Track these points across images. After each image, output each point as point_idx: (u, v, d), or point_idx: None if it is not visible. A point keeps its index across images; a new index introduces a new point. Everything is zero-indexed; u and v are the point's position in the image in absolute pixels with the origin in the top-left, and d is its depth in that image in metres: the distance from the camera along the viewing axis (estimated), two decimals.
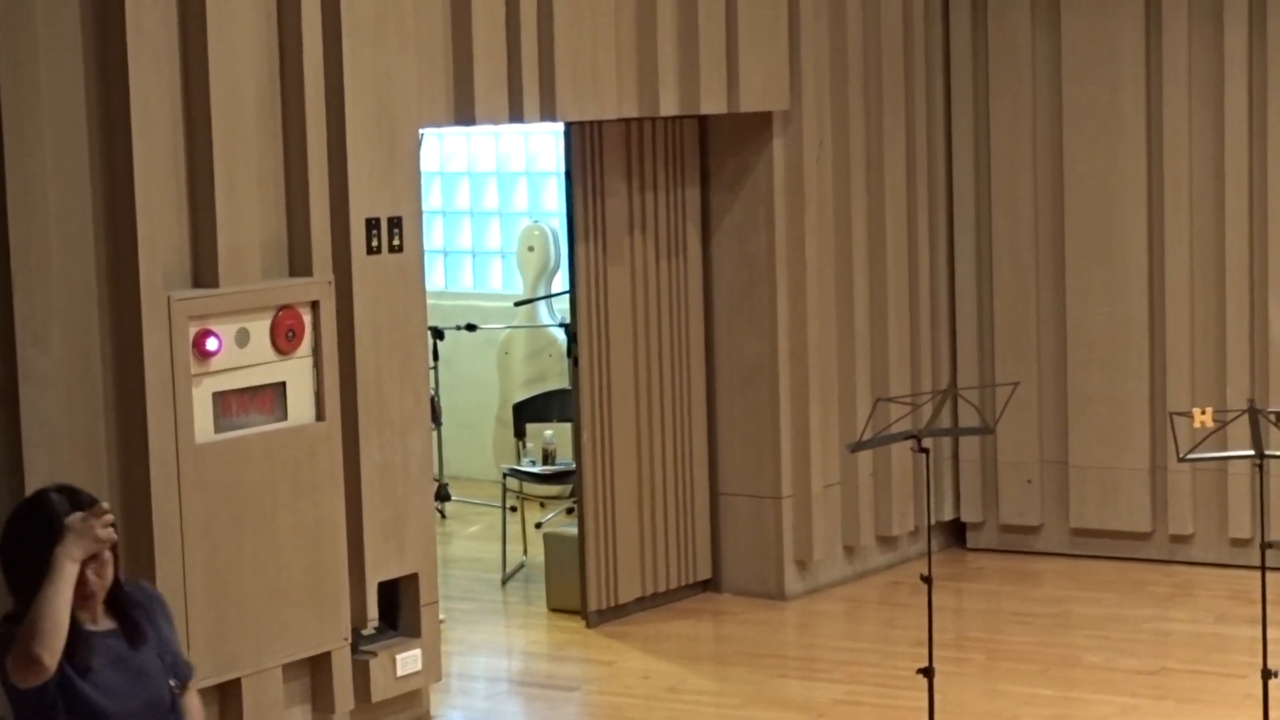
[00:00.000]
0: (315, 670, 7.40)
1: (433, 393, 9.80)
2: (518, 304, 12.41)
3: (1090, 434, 10.30)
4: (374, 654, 7.65)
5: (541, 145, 12.89)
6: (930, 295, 10.44)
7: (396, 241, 7.61)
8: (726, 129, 9.67)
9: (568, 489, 11.10)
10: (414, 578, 7.77)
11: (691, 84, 9.03)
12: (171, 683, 4.96)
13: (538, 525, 11.06)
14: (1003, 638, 9.12)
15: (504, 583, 10.32)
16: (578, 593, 9.40)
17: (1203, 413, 7.00)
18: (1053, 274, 10.35)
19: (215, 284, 6.98)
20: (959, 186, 10.54)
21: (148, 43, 6.76)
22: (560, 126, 9.25)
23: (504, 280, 13.20)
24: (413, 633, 7.81)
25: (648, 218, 9.48)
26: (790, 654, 9.07)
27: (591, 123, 9.07)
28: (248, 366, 7.11)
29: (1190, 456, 7.08)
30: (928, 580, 7.23)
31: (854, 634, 9.40)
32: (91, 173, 6.72)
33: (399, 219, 7.63)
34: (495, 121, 8.27)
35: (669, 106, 8.95)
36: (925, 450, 7.25)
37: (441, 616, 9.16)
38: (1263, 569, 7.08)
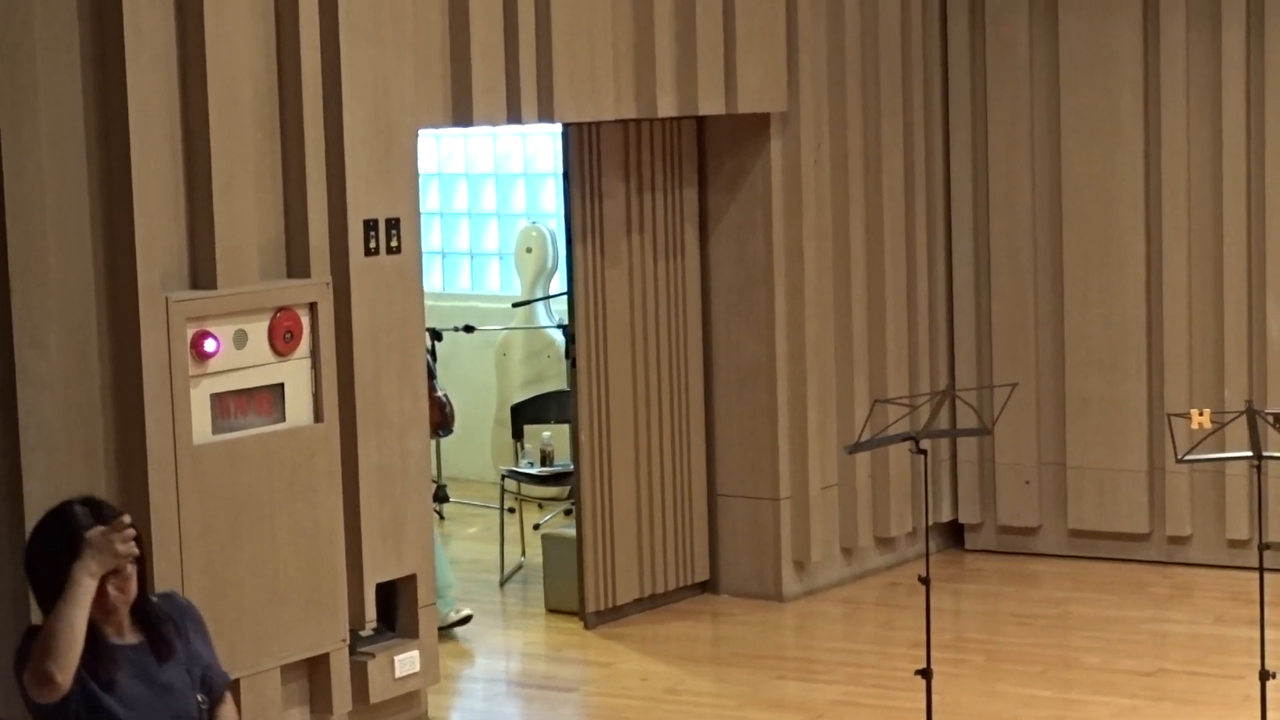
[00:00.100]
0: (313, 671, 7.40)
1: (446, 399, 9.71)
2: (516, 305, 12.42)
3: (1088, 435, 10.30)
4: (372, 655, 7.65)
5: (539, 146, 12.89)
6: (928, 296, 10.44)
7: (394, 243, 7.61)
8: (724, 130, 9.67)
9: (566, 490, 11.10)
10: (412, 579, 7.77)
11: (689, 85, 9.03)
12: (199, 698, 4.91)
13: (536, 526, 11.07)
14: (1001, 639, 9.12)
15: (502, 584, 10.32)
16: (576, 594, 9.40)
17: (1200, 414, 7.00)
18: (1051, 275, 10.35)
19: (213, 285, 6.98)
20: (957, 188, 10.54)
21: (146, 44, 6.76)
22: (558, 128, 9.25)
23: (502, 281, 13.20)
24: (411, 634, 7.81)
25: (645, 219, 9.48)
26: (788, 655, 9.07)
27: (589, 124, 9.07)
28: (245, 368, 7.11)
29: (1188, 458, 7.08)
30: (926, 581, 7.23)
31: (852, 635, 9.40)
32: (89, 174, 6.71)
33: (397, 220, 7.63)
34: (493, 123, 8.27)
35: (667, 108, 8.95)
36: (923, 451, 7.25)
37: (468, 611, 9.21)
38: (1260, 570, 7.08)
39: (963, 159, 10.51)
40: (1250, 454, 7.00)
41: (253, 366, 7.14)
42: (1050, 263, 10.34)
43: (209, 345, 6.93)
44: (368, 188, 7.51)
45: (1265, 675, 7.00)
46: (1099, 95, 10.13)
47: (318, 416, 7.35)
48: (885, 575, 10.22)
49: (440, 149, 13.16)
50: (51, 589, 4.69)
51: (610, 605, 9.45)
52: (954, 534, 10.80)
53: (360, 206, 7.49)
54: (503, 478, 10.94)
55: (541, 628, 9.50)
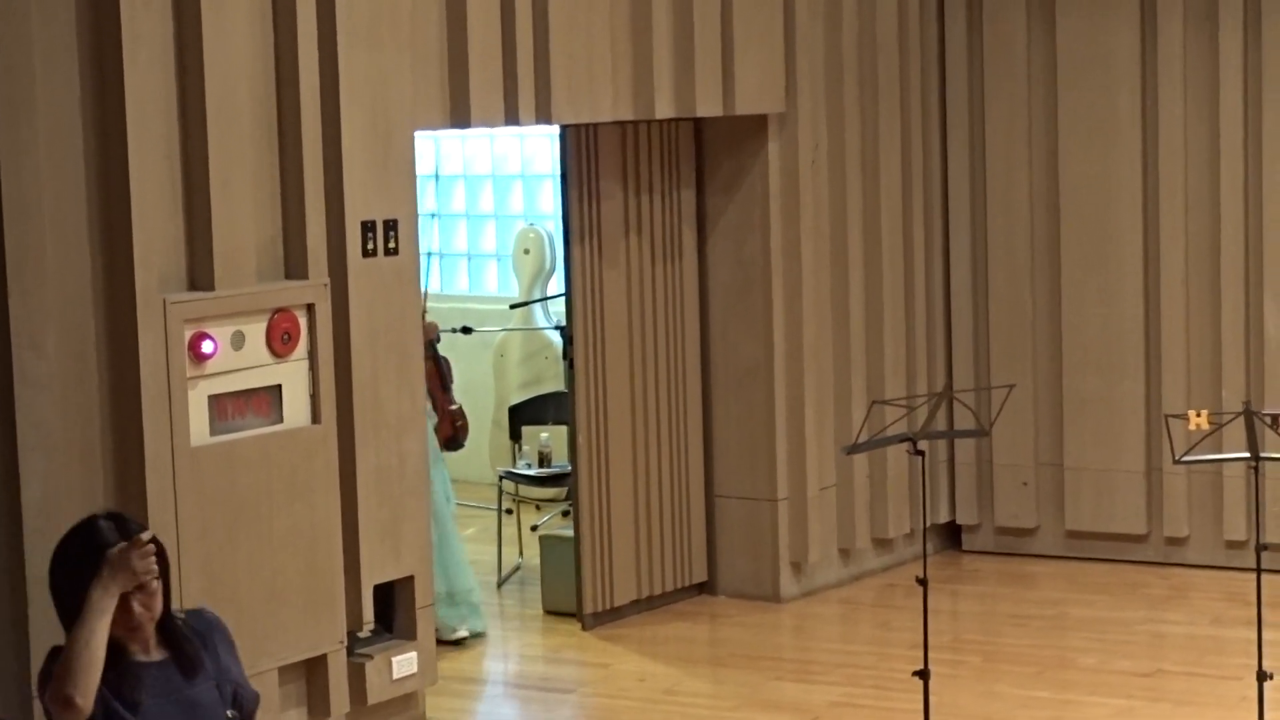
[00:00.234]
0: (311, 673, 7.40)
1: (461, 413, 9.66)
2: (513, 306, 12.42)
3: (1085, 436, 10.30)
4: (370, 656, 7.64)
5: (537, 148, 12.89)
6: (926, 298, 10.44)
7: (392, 244, 7.61)
8: (722, 132, 9.67)
9: (563, 491, 11.10)
10: (409, 580, 7.77)
11: (687, 87, 9.04)
12: (230, 714, 4.85)
13: (533, 528, 11.07)
14: (998, 640, 9.12)
15: (499, 585, 10.32)
16: (573, 595, 9.40)
17: (1198, 415, 7.00)
18: (1048, 276, 10.35)
19: (211, 287, 6.97)
20: (954, 189, 10.54)
21: (143, 45, 6.76)
22: (556, 129, 9.25)
23: (500, 283, 13.20)
24: (408, 635, 7.80)
25: (643, 220, 9.49)
26: (786, 656, 9.07)
27: (587, 125, 9.07)
28: (243, 369, 7.11)
29: (1186, 459, 7.08)
30: (923, 582, 7.24)
31: (849, 636, 9.40)
32: (87, 176, 6.71)
33: (394, 222, 7.62)
34: (491, 124, 8.28)
35: (664, 109, 8.96)
36: (921, 453, 7.25)
37: (464, 633, 9.18)
38: (1258, 571, 7.08)
39: (960, 159, 10.51)
40: (1248, 455, 7.01)
41: (250, 368, 7.14)
42: (1048, 263, 10.35)
43: (206, 347, 6.93)
44: (365, 189, 7.51)
45: (1262, 676, 7.01)
46: (1097, 95, 10.14)
47: (315, 418, 7.35)
48: (883, 576, 10.22)
49: (438, 150, 13.16)
50: (73, 605, 4.63)
51: (608, 606, 9.45)
52: (951, 535, 10.80)
53: (358, 208, 7.48)
54: (500, 479, 10.94)
55: (539, 629, 9.50)
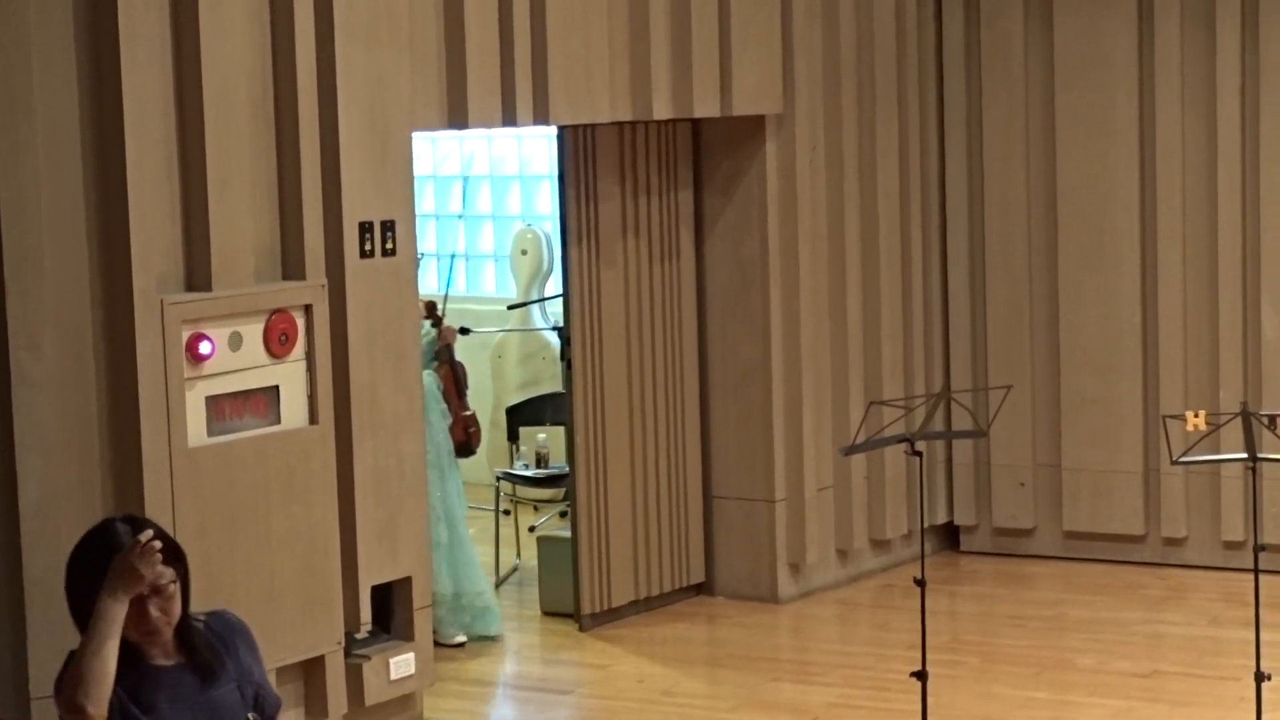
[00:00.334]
0: (308, 674, 7.40)
1: (473, 419, 9.64)
2: (511, 307, 12.41)
3: (1083, 437, 10.30)
4: (367, 657, 7.64)
5: (535, 149, 12.89)
6: (923, 298, 10.44)
7: (389, 245, 7.61)
8: (719, 133, 9.67)
9: (561, 492, 11.10)
10: (407, 581, 7.77)
11: (684, 88, 9.04)
12: (251, 717, 4.79)
13: (531, 529, 11.07)
14: (996, 641, 9.12)
15: (497, 586, 10.31)
16: (571, 596, 9.40)
17: (1196, 416, 7.00)
18: (1046, 277, 10.35)
19: (208, 288, 6.97)
20: (952, 189, 10.55)
21: (141, 46, 6.76)
22: (553, 130, 9.25)
23: (497, 284, 13.19)
24: (406, 636, 7.80)
25: (641, 221, 9.49)
26: (784, 657, 9.07)
27: (585, 126, 9.07)
28: (241, 370, 7.11)
29: (1183, 459, 7.08)
30: (921, 583, 7.24)
31: (847, 637, 9.40)
32: (84, 176, 6.71)
33: (392, 223, 7.62)
34: (488, 125, 8.28)
35: (662, 110, 8.96)
36: (918, 453, 7.25)
37: (462, 638, 9.16)
38: (1255, 572, 7.08)
39: (958, 160, 10.51)
40: (1245, 456, 7.01)
41: (248, 369, 7.14)
42: (1045, 264, 10.35)
43: (204, 347, 6.93)
44: (363, 190, 7.51)
45: (1260, 677, 7.01)
46: (1094, 96, 10.14)
47: (313, 419, 7.35)
48: (880, 577, 10.22)
49: (435, 151, 13.16)
50: (88, 608, 4.58)
51: (605, 607, 9.45)
52: (949, 536, 10.80)
53: (355, 209, 7.48)
54: (498, 480, 10.94)
55: (537, 630, 9.50)
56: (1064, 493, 10.40)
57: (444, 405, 9.17)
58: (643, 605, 9.63)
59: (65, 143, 6.67)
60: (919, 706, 7.25)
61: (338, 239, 7.43)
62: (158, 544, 4.54)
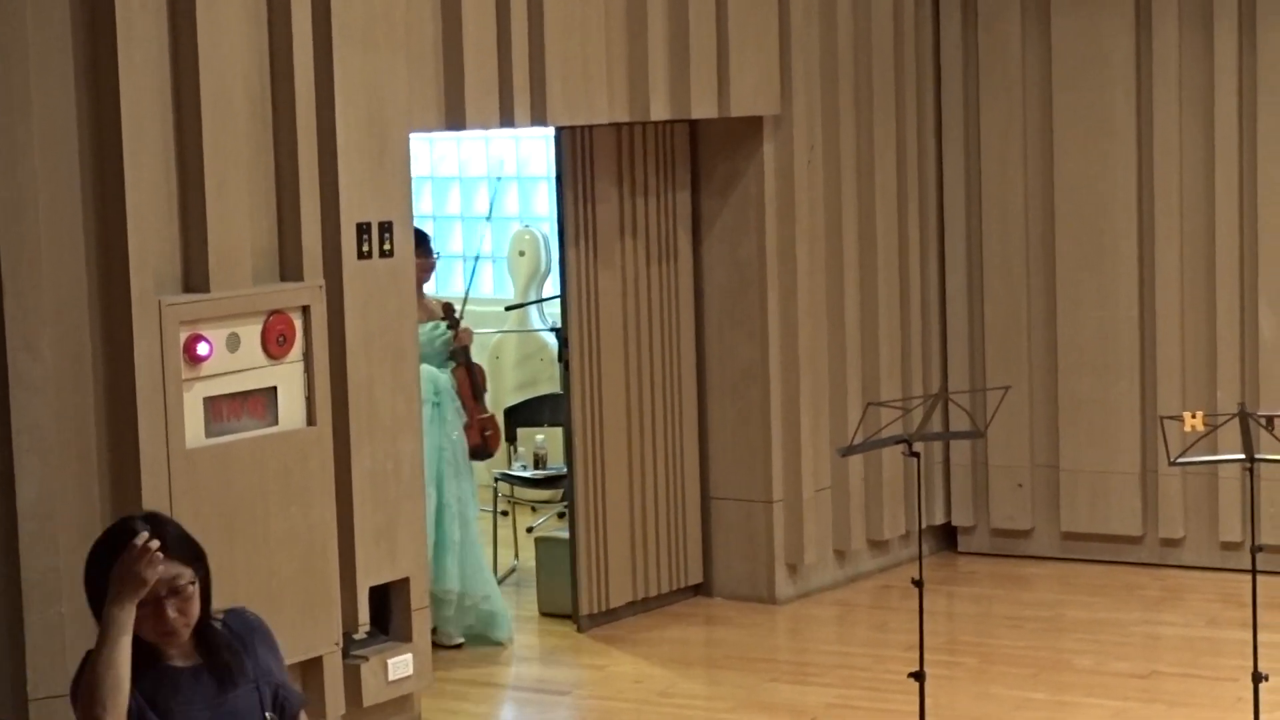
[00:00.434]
0: (306, 675, 7.39)
1: (490, 422, 9.60)
2: (509, 308, 12.41)
3: (1081, 438, 10.30)
4: (365, 659, 7.64)
5: (532, 150, 12.89)
6: (921, 299, 10.44)
7: (387, 246, 7.61)
8: (717, 134, 9.67)
9: (559, 493, 11.10)
10: (405, 582, 7.77)
11: (682, 89, 9.04)
12: (269, 717, 4.71)
13: (529, 529, 11.07)
14: (994, 641, 9.12)
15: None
16: (569, 597, 9.40)
17: (1193, 416, 7.00)
18: (1043, 278, 10.36)
19: (206, 289, 6.97)
20: (950, 191, 10.55)
21: (138, 47, 6.76)
22: (551, 131, 9.25)
23: (495, 285, 13.19)
24: (404, 637, 7.80)
25: (638, 222, 9.49)
26: (781, 658, 9.08)
27: (582, 127, 9.07)
28: (239, 371, 7.11)
29: (1181, 460, 7.08)
30: (919, 584, 7.23)
31: (845, 638, 9.40)
32: (82, 178, 6.71)
33: (389, 224, 7.62)
34: (486, 126, 8.28)
35: (660, 111, 8.96)
36: (916, 454, 7.25)
37: (460, 640, 9.13)
38: (1253, 572, 7.08)
39: (955, 161, 10.52)
40: (1243, 457, 7.01)
41: (246, 370, 7.13)
42: (1043, 265, 10.35)
43: (202, 349, 6.93)
44: (360, 191, 7.51)
45: (1258, 678, 7.01)
46: (1092, 97, 10.14)
47: (311, 420, 7.35)
48: (878, 578, 10.22)
49: (433, 152, 13.15)
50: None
51: (603, 608, 9.45)
52: (947, 537, 10.81)
53: (353, 210, 7.48)
54: (496, 480, 10.93)
55: (535, 631, 9.49)
56: (1061, 493, 10.40)
57: (458, 403, 9.14)
58: (641, 606, 9.64)
59: (63, 144, 6.67)
60: (917, 707, 7.24)
61: (335, 240, 7.43)
62: (155, 544, 4.48)
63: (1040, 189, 10.33)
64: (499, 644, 9.19)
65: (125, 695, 4.45)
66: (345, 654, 7.54)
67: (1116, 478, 10.24)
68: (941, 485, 10.71)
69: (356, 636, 7.64)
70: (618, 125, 9.20)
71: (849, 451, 7.60)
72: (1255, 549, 7.07)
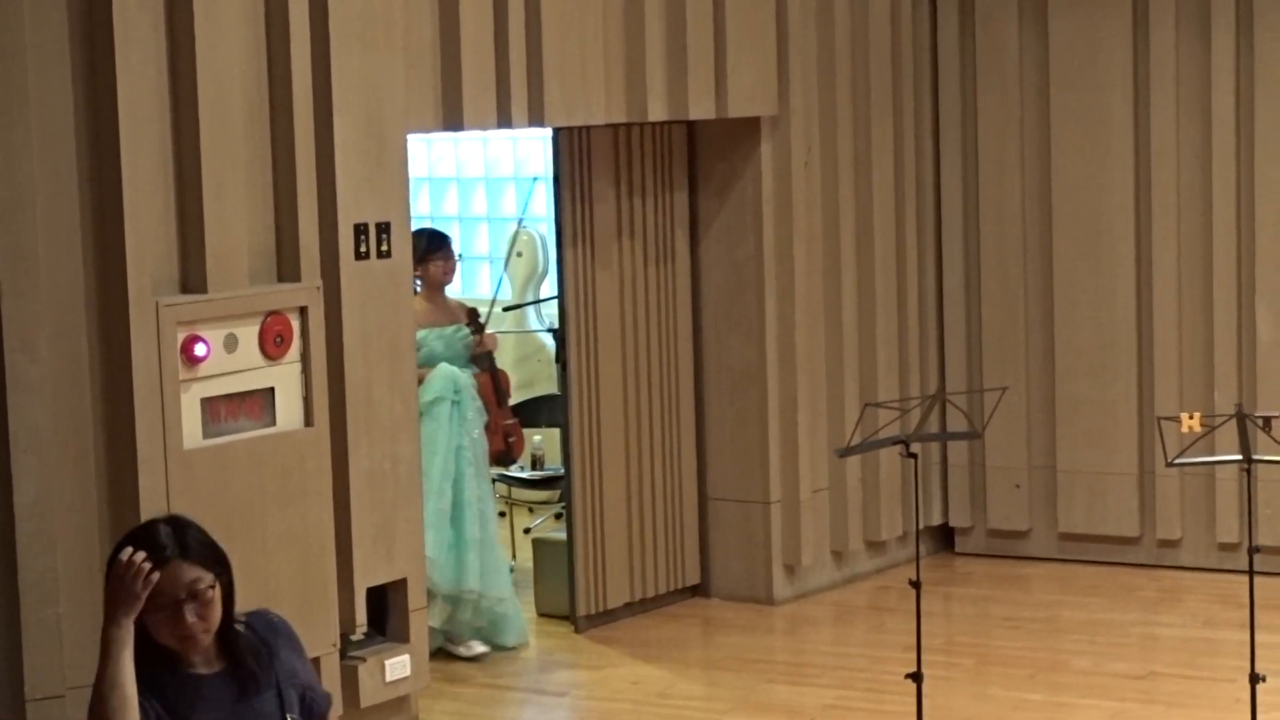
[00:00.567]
0: None
1: (514, 428, 9.55)
2: (506, 309, 12.41)
3: (1078, 439, 10.30)
4: (363, 659, 7.64)
5: (530, 150, 12.88)
6: (918, 300, 10.44)
7: (385, 247, 7.61)
8: (715, 134, 9.67)
9: (556, 494, 11.10)
10: (403, 583, 7.77)
11: (680, 89, 9.04)
12: (290, 718, 4.63)
13: (526, 530, 11.06)
14: (991, 642, 9.13)
15: None
16: (566, 598, 9.40)
17: (1191, 417, 7.00)
18: (1041, 279, 10.36)
19: (203, 290, 6.97)
20: (947, 191, 10.55)
21: (136, 49, 6.76)
22: (548, 132, 9.25)
23: (492, 285, 13.19)
24: (401, 638, 7.80)
25: (636, 223, 9.49)
26: (779, 659, 9.07)
27: (580, 128, 9.07)
28: (236, 372, 7.11)
29: (1178, 461, 7.08)
30: (916, 585, 7.24)
31: (843, 639, 9.40)
32: (79, 179, 6.71)
33: (387, 224, 7.62)
34: (483, 127, 8.27)
35: (657, 112, 8.96)
36: (913, 455, 7.25)
37: (482, 649, 9.03)
38: (1250, 573, 7.08)
39: (953, 162, 10.52)
40: (1240, 457, 7.01)
41: (243, 371, 7.13)
42: (1040, 266, 10.35)
43: (199, 349, 6.93)
44: (358, 192, 7.51)
45: (1255, 678, 7.01)
46: (1089, 98, 10.14)
47: (308, 421, 7.35)
48: (876, 579, 10.22)
49: (430, 153, 13.15)
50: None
51: (601, 609, 9.45)
52: (944, 537, 10.81)
53: (350, 211, 7.48)
54: (494, 481, 10.91)
55: (532, 631, 9.48)
56: (1059, 494, 10.40)
57: (479, 402, 9.09)
58: (638, 607, 9.64)
59: (60, 145, 6.67)
60: (914, 708, 7.25)
61: (333, 241, 7.43)
62: (141, 555, 4.40)
63: (1037, 190, 10.33)
64: (508, 649, 9.12)
65: (134, 712, 4.37)
66: (343, 655, 7.54)
67: (1114, 479, 10.24)
68: (939, 486, 10.71)
69: (354, 637, 7.64)
70: (615, 126, 9.20)
71: (846, 452, 7.60)
72: (1252, 550, 7.07)
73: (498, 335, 9.65)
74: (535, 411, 11.13)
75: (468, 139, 12.93)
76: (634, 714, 8.22)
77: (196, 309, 6.94)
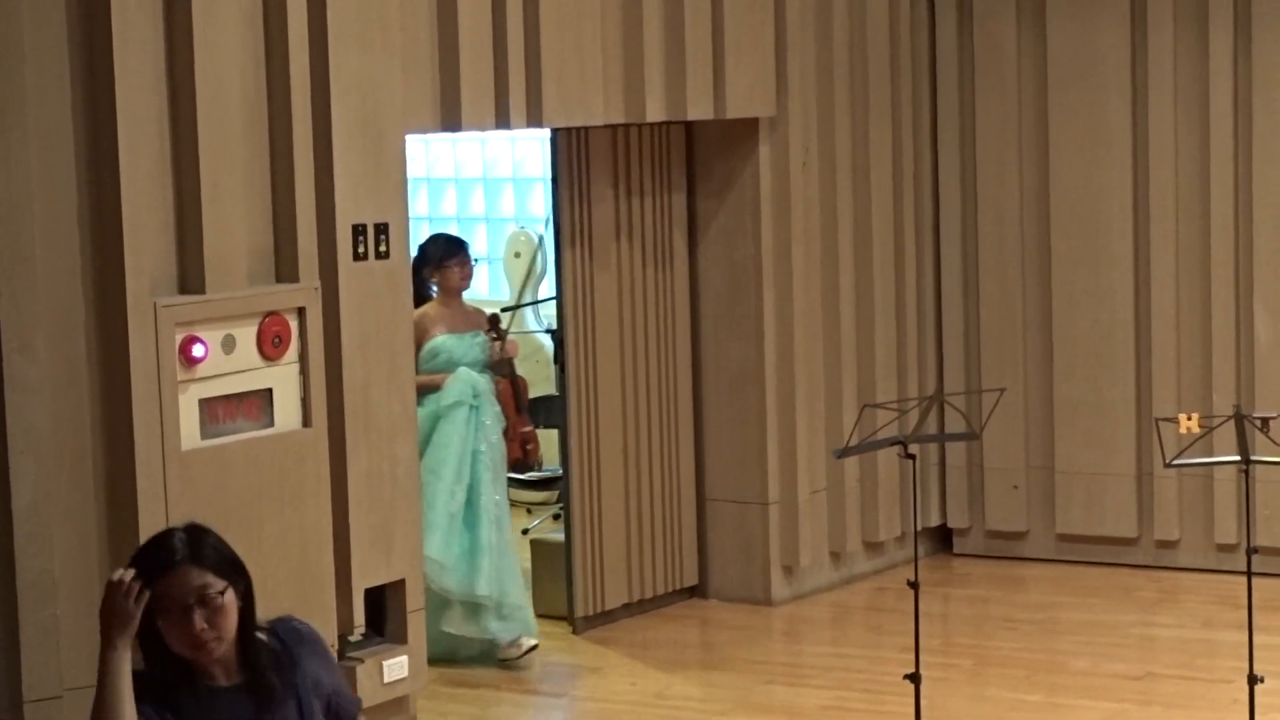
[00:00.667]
0: None
1: (532, 436, 9.51)
2: (504, 310, 12.40)
3: (1076, 439, 10.30)
4: (361, 660, 7.64)
5: (528, 151, 12.89)
6: (916, 301, 10.45)
7: (383, 248, 7.60)
8: (713, 135, 9.67)
9: (554, 495, 11.10)
10: (401, 584, 7.77)
11: (678, 90, 9.04)
12: None
13: (525, 531, 11.05)
14: (989, 643, 9.13)
15: None
16: (564, 598, 9.40)
17: (1189, 418, 7.00)
18: (1038, 279, 10.36)
19: (201, 290, 6.97)
20: (945, 192, 10.55)
21: (134, 49, 6.75)
22: (547, 132, 9.25)
23: (490, 286, 13.19)
24: (399, 639, 7.80)
25: (634, 224, 9.49)
26: (777, 660, 9.07)
27: (578, 129, 9.07)
28: (234, 373, 7.10)
29: (1176, 462, 7.08)
30: (914, 586, 7.24)
31: (841, 640, 9.40)
32: (78, 179, 6.71)
33: (385, 225, 7.62)
34: (482, 127, 8.27)
35: (655, 112, 8.96)
36: (912, 456, 7.25)
37: (529, 643, 8.92)
38: (1248, 574, 7.08)
39: (951, 163, 10.52)
40: (1238, 458, 7.01)
41: (241, 371, 7.13)
42: (1038, 267, 10.35)
43: (197, 350, 6.92)
44: (356, 193, 7.50)
45: (1253, 679, 7.01)
46: (1087, 99, 10.14)
47: (306, 422, 7.34)
48: (874, 580, 10.22)
49: (429, 154, 13.16)
50: (144, 626, 4.38)
51: (599, 610, 9.45)
52: (942, 538, 10.81)
53: (348, 211, 7.48)
54: None
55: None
56: (1057, 495, 10.40)
57: (497, 407, 9.04)
58: (636, 608, 9.63)
59: (58, 145, 6.67)
60: (912, 709, 7.25)
61: (331, 242, 7.43)
62: (131, 574, 4.35)
63: (1035, 191, 10.33)
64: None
65: None
66: (341, 656, 7.54)
67: (1112, 479, 10.24)
68: (937, 487, 10.71)
69: (352, 638, 7.63)
70: (613, 127, 9.20)
71: (845, 453, 7.60)
72: (1250, 551, 7.07)
73: (519, 342, 9.61)
74: (533, 412, 11.09)
75: (466, 140, 12.93)
76: (631, 715, 8.21)
77: (194, 310, 6.93)
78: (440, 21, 8.00)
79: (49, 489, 6.66)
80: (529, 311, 12.55)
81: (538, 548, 9.74)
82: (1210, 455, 7.82)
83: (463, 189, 13.30)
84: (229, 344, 7.07)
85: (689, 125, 9.68)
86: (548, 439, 10.86)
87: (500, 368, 9.15)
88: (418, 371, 8.92)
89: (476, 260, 9.68)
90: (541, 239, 12.42)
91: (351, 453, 7.50)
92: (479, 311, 9.35)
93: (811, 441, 9.81)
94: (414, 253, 9.32)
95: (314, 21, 7.35)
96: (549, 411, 10.70)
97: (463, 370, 8.90)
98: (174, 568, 4.41)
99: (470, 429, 8.85)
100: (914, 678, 7.21)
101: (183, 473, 6.87)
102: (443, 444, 8.71)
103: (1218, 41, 9.86)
